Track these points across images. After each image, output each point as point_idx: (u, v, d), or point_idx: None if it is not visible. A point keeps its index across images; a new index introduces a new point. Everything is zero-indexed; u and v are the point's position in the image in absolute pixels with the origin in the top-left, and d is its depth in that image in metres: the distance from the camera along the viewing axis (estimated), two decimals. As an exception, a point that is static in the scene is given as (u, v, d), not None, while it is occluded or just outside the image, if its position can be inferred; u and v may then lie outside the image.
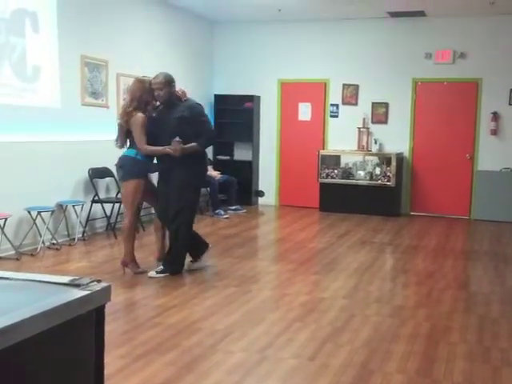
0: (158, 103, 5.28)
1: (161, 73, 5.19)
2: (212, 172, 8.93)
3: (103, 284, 1.79)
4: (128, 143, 5.24)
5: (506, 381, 3.24)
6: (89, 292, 1.73)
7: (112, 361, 3.27)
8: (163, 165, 5.17)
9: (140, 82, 5.17)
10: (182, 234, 5.14)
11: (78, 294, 1.70)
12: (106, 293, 1.79)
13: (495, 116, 8.80)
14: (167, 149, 4.97)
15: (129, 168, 5.10)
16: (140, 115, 5.02)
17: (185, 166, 5.04)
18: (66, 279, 1.82)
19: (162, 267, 5.19)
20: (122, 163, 5.16)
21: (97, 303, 1.76)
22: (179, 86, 5.32)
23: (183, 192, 5.07)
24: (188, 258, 5.42)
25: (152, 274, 5.15)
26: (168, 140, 4.98)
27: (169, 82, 5.12)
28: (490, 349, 3.70)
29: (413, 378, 3.24)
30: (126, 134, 5.16)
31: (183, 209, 5.09)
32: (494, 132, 8.84)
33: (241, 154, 10.00)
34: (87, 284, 1.78)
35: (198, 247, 5.47)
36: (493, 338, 3.90)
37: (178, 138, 4.95)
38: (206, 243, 5.55)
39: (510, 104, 8.75)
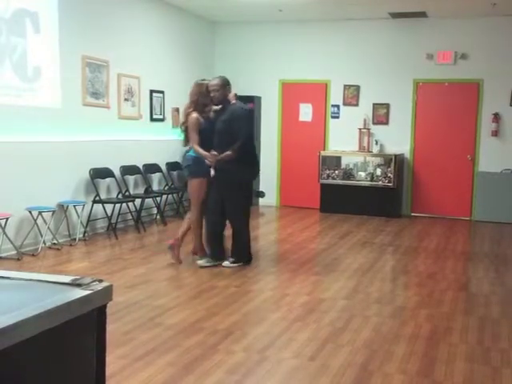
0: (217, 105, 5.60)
1: (218, 76, 5.63)
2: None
3: (104, 284, 1.79)
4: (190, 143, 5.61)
5: (506, 381, 3.24)
6: (90, 292, 1.73)
7: (113, 361, 3.28)
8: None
9: (197, 86, 5.53)
10: (241, 226, 5.56)
11: (80, 293, 1.70)
12: (107, 292, 1.79)
13: (496, 117, 8.80)
14: (207, 157, 5.34)
15: (193, 167, 5.52)
16: (193, 116, 5.42)
17: (234, 166, 5.36)
18: (67, 279, 1.82)
19: (233, 259, 5.58)
20: (187, 162, 5.59)
21: (98, 303, 1.76)
22: (233, 90, 5.65)
23: (237, 190, 5.47)
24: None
25: (226, 263, 5.55)
26: (216, 141, 5.36)
27: (224, 84, 5.45)
28: (490, 350, 3.70)
29: (413, 378, 3.24)
30: (188, 134, 5.56)
31: (238, 204, 5.50)
32: (495, 133, 8.84)
33: (242, 154, 9.99)
34: (88, 284, 1.78)
35: (220, 248, 5.69)
36: (493, 339, 3.90)
37: (214, 152, 5.33)
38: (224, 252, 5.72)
39: (511, 105, 8.75)
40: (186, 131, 5.61)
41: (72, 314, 1.64)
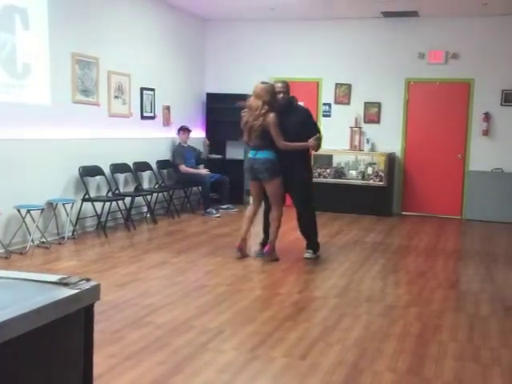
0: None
1: (281, 79, 6.14)
2: (202, 171, 8.91)
3: (92, 283, 1.78)
4: (262, 144, 5.67)
5: (495, 379, 3.26)
6: (77, 291, 1.72)
7: (102, 360, 3.26)
8: (284, 162, 5.73)
9: (270, 87, 5.71)
10: (312, 218, 5.94)
11: (67, 292, 1.69)
12: (94, 292, 1.78)
13: (487, 116, 8.84)
14: (310, 143, 5.69)
15: (273, 169, 5.68)
16: (273, 115, 5.57)
17: (303, 163, 5.90)
18: (54, 278, 1.81)
19: (312, 251, 5.96)
20: (266, 165, 5.67)
21: (85, 302, 1.75)
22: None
23: (307, 185, 5.90)
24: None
25: (307, 255, 5.95)
26: (290, 138, 5.61)
27: (288, 87, 5.89)
28: (479, 347, 3.71)
29: (403, 376, 3.25)
30: (262, 134, 5.60)
31: (307, 199, 5.88)
32: (486, 132, 8.88)
33: (233, 152, 9.99)
34: (76, 283, 1.77)
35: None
36: (483, 337, 3.91)
37: (318, 134, 5.76)
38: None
39: (501, 105, 8.79)
40: (252, 131, 5.64)
41: (59, 313, 1.63)
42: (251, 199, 6.30)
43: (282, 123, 5.63)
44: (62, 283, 1.76)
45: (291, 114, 5.75)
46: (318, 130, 5.92)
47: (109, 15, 7.50)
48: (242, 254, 5.90)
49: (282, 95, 5.76)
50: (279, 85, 5.82)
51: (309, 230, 6.01)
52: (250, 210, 6.05)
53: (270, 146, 5.66)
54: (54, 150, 6.54)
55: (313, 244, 6.01)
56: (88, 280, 1.80)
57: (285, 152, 5.66)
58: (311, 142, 5.69)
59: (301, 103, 6.38)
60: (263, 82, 5.87)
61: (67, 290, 1.72)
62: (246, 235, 5.95)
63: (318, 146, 5.86)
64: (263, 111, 5.58)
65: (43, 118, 6.38)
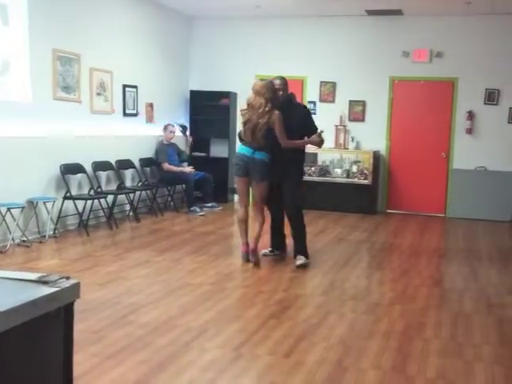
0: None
1: (280, 76, 5.80)
2: (186, 169, 8.86)
3: (72, 281, 1.76)
4: (264, 144, 5.46)
5: (478, 376, 3.27)
6: (57, 289, 1.71)
7: (84, 359, 3.22)
8: (278, 161, 5.54)
9: (271, 84, 5.51)
10: (300, 221, 5.74)
11: (46, 291, 1.68)
12: (74, 290, 1.76)
13: (470, 115, 8.90)
14: (313, 138, 5.60)
15: (266, 172, 5.52)
16: (278, 112, 5.41)
17: (300, 165, 5.82)
18: (33, 276, 1.79)
19: (303, 257, 5.65)
20: (262, 168, 5.50)
21: (65, 300, 1.73)
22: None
23: (299, 186, 5.71)
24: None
25: (300, 262, 5.61)
26: (289, 136, 5.46)
27: (287, 84, 5.72)
28: (462, 344, 3.73)
29: (387, 374, 3.25)
30: (267, 132, 5.41)
31: (297, 199, 5.68)
32: (470, 131, 8.95)
33: (217, 150, 9.94)
34: (55, 281, 1.75)
35: (281, 242, 6.04)
36: (466, 334, 3.93)
37: (321, 129, 5.68)
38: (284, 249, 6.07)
39: (485, 103, 8.86)
40: (258, 130, 5.40)
41: (38, 311, 1.62)
42: (238, 198, 6.00)
43: (283, 121, 5.47)
44: (42, 281, 1.75)
45: (291, 112, 5.58)
46: (316, 128, 5.77)
47: (91, 11, 7.40)
48: (255, 258, 5.63)
49: (281, 93, 5.59)
50: (277, 82, 5.62)
51: (298, 234, 5.74)
52: (240, 213, 5.75)
53: (268, 148, 5.46)
54: (34, 148, 6.44)
55: (302, 248, 5.70)
56: (68, 278, 1.78)
57: (283, 153, 5.46)
58: (315, 138, 5.59)
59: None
60: (262, 79, 5.71)
61: (46, 288, 1.70)
62: (247, 239, 5.67)
63: (321, 143, 5.76)
64: (267, 109, 5.38)
65: (24, 115, 6.28)
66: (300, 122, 5.61)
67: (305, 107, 5.92)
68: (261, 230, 5.70)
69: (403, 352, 3.56)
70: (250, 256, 5.63)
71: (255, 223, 5.71)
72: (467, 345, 3.72)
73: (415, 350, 3.60)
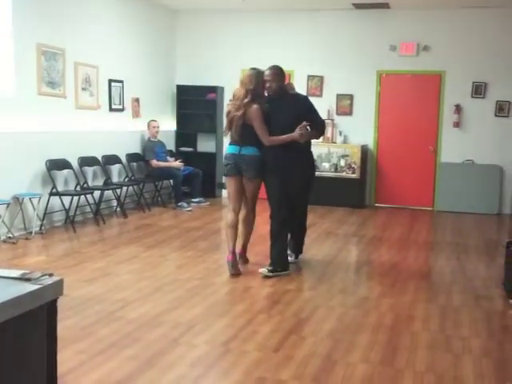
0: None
1: (273, 65, 5.26)
2: (175, 163, 8.81)
3: (55, 278, 1.74)
4: (245, 138, 5.05)
5: (466, 368, 3.28)
6: (40, 286, 1.68)
7: (71, 356, 3.18)
8: (285, 159, 5.11)
9: (258, 74, 5.11)
10: (305, 221, 5.54)
11: (29, 288, 1.66)
12: (58, 287, 1.74)
13: (458, 108, 8.93)
14: (295, 134, 4.97)
15: (259, 168, 5.10)
16: (256, 107, 4.98)
17: (306, 160, 5.30)
18: (16, 273, 1.77)
19: (294, 257, 5.49)
20: (254, 164, 5.08)
21: (48, 297, 1.71)
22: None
23: (310, 184, 5.37)
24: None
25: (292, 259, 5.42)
26: (283, 130, 5.01)
27: (280, 74, 5.21)
28: (451, 337, 3.74)
29: (376, 367, 3.24)
30: (242, 127, 5.02)
31: (306, 198, 5.45)
32: (457, 124, 8.98)
33: (204, 145, 9.90)
34: (38, 278, 1.73)
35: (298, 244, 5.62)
36: (454, 327, 3.94)
37: (305, 123, 4.99)
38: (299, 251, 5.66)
39: (472, 97, 8.89)
40: (232, 123, 5.06)
41: (21, 309, 1.61)
42: (228, 201, 5.37)
43: (273, 115, 5.06)
44: (24, 278, 1.73)
45: (284, 105, 5.12)
46: (322, 120, 5.34)
47: (75, 5, 7.30)
48: (236, 268, 5.09)
49: (270, 85, 5.09)
50: (266, 72, 5.13)
51: (303, 234, 5.55)
52: (230, 218, 5.19)
53: (255, 142, 5.04)
54: (20, 144, 6.36)
55: (301, 246, 5.57)
56: (51, 275, 1.75)
57: (286, 148, 5.02)
58: (297, 132, 4.96)
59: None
60: (253, 68, 5.21)
61: (29, 285, 1.68)
62: (234, 247, 5.14)
63: (312, 136, 5.20)
64: (245, 101, 4.96)
65: (8, 110, 6.19)
66: (296, 115, 5.04)
67: (306, 98, 5.40)
68: (249, 234, 5.38)
69: (392, 345, 3.56)
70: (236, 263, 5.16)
71: (244, 224, 5.32)
72: (456, 337, 3.73)
73: (404, 344, 3.60)
